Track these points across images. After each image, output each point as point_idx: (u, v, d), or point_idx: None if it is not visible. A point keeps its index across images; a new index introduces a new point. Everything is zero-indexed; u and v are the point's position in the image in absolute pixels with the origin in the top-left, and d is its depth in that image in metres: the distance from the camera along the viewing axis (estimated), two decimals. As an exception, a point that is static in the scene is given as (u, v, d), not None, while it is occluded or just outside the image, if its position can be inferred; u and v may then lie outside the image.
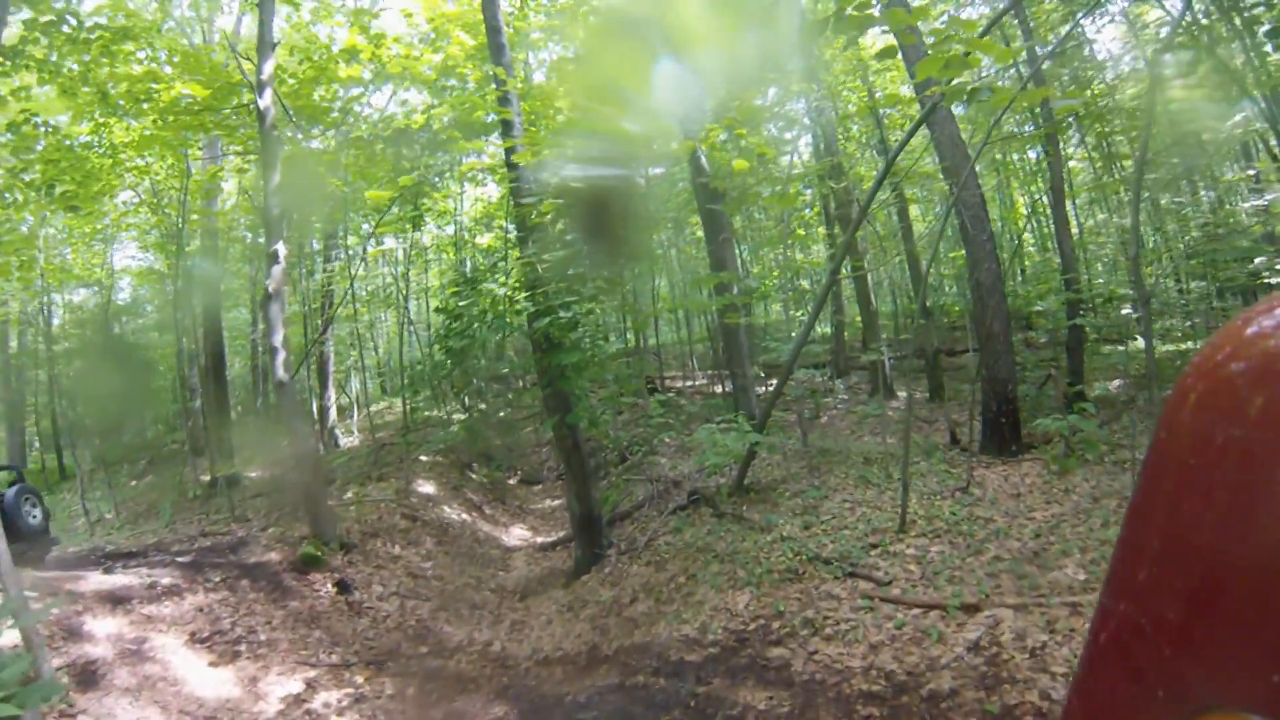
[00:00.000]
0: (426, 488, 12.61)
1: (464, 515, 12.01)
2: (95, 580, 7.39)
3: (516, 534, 12.32)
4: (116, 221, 17.26)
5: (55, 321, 22.13)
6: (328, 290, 18.86)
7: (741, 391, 14.64)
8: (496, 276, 8.92)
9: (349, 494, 11.47)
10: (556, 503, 14.67)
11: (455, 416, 17.21)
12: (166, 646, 6.22)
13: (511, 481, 16.24)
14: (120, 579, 7.40)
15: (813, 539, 6.91)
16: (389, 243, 20.39)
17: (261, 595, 7.24)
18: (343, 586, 7.61)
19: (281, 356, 8.41)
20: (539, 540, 11.73)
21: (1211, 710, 0.58)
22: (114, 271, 21.06)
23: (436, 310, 14.68)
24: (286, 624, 6.82)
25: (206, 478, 14.45)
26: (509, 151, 8.36)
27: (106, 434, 20.61)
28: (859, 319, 19.70)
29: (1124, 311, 13.59)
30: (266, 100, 8.72)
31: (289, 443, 8.60)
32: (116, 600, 6.89)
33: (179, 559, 8.07)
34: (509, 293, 9.27)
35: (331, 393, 19.22)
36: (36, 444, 24.60)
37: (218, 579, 7.47)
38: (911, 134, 7.73)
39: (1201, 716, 0.58)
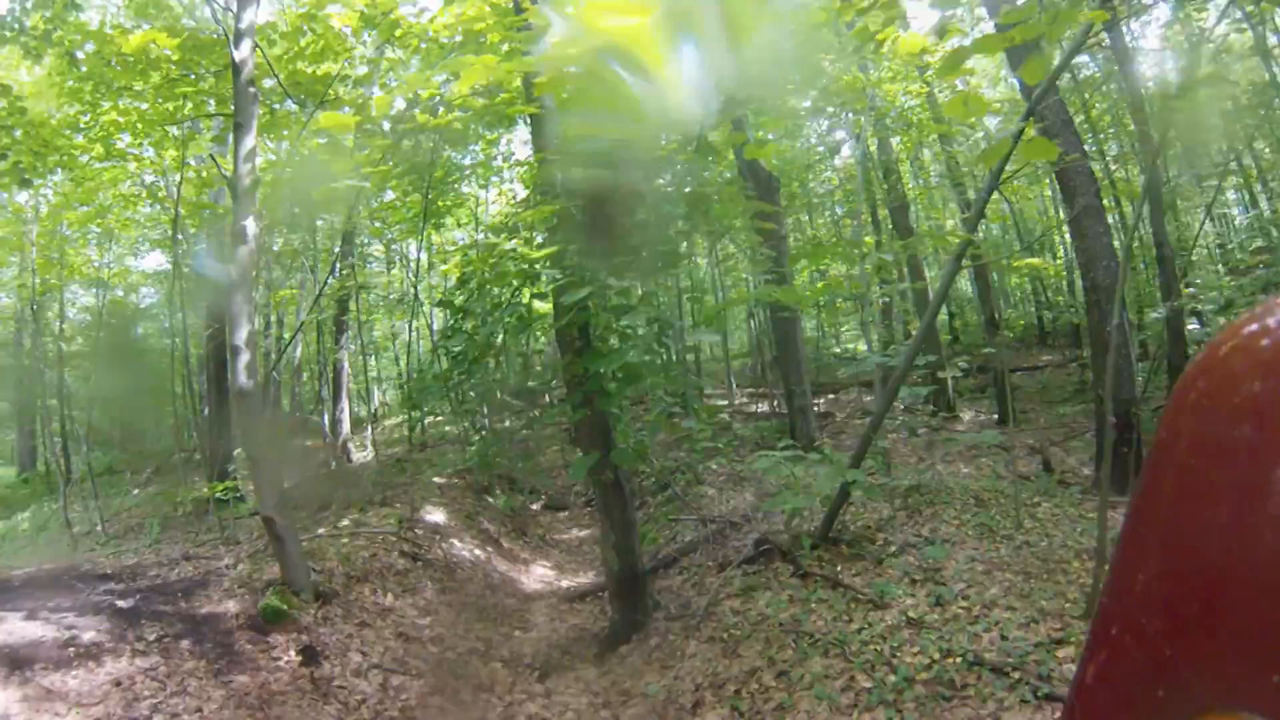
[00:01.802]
0: (435, 515, 11.02)
1: (477, 551, 10.39)
2: (5, 629, 5.86)
3: (538, 573, 10.69)
4: (118, 217, 16.14)
5: (63, 321, 21.24)
6: (342, 295, 17.59)
7: (799, 413, 13.04)
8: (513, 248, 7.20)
9: (346, 521, 9.89)
10: (584, 533, 13.16)
11: (473, 435, 15.77)
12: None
13: (534, 507, 14.68)
14: (35, 629, 5.86)
15: (956, 624, 5.12)
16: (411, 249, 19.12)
17: (203, 665, 5.64)
18: (309, 655, 6.00)
19: (244, 359, 6.87)
20: (564, 584, 10.10)
21: (1211, 710, 0.57)
22: (117, 270, 19.94)
23: (439, 304, 13.12)
24: (225, 710, 5.20)
25: (206, 492, 13.05)
26: (529, 86, 6.72)
27: (110, 441, 19.58)
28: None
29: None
30: (244, 52, 7.24)
31: (251, 465, 7.03)
32: (15, 663, 5.35)
33: (118, 602, 6.50)
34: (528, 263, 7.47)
35: (345, 404, 17.87)
36: (47, 446, 23.61)
37: (153, 637, 5.90)
38: (1029, 114, 6.06)
39: (1201, 716, 0.58)
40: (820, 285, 15.24)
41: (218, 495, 10.18)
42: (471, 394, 8.56)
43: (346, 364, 17.53)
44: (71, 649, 5.61)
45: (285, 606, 6.44)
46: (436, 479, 13.05)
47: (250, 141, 7.52)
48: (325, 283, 17.31)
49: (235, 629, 6.24)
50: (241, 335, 7.09)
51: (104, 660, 5.54)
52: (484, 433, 10.45)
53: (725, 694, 5.38)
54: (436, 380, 8.47)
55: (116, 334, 20.22)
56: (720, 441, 12.54)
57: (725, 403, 19.22)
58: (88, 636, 5.81)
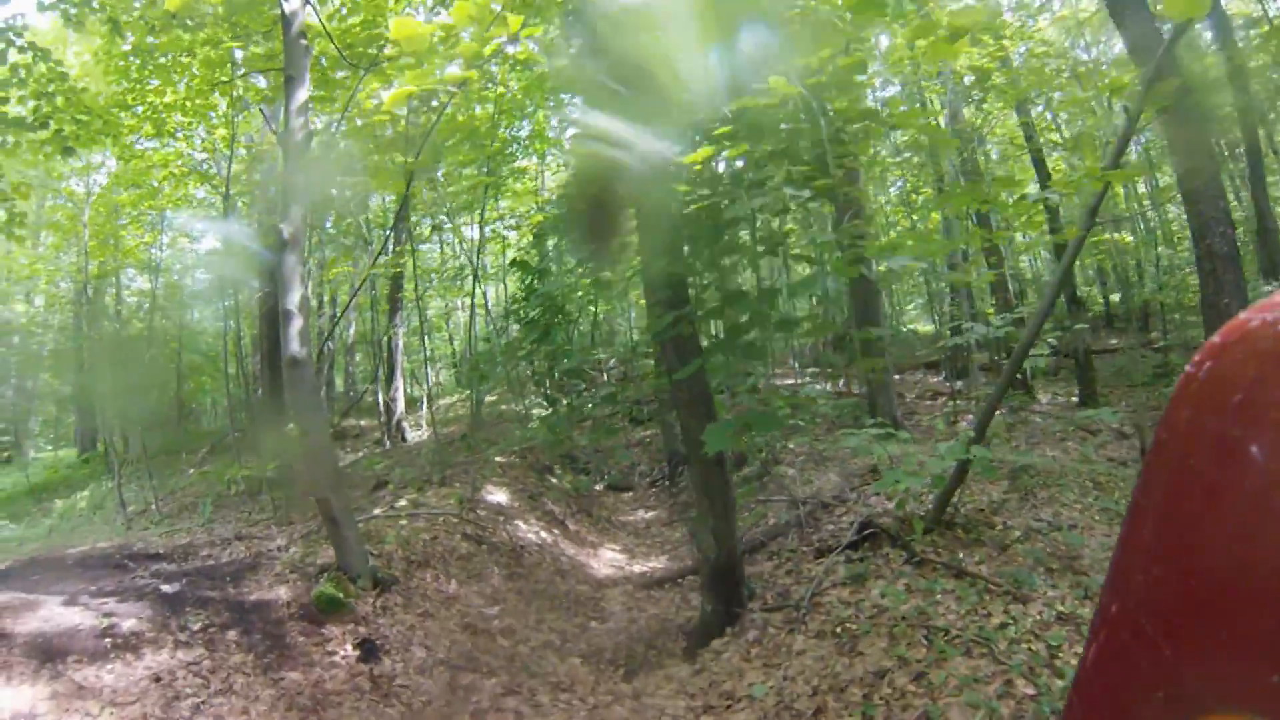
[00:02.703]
0: (497, 496, 10.38)
1: (543, 534, 9.72)
2: (42, 615, 5.32)
3: (607, 557, 9.99)
4: (169, 197, 15.84)
5: (119, 305, 21.19)
6: (396, 272, 17.10)
7: (881, 390, 12.10)
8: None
9: (403, 501, 9.29)
10: (650, 515, 12.45)
11: (535, 411, 15.15)
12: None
13: (598, 487, 14.00)
14: (72, 616, 5.31)
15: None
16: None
17: (250, 659, 5.03)
18: (367, 649, 5.36)
19: (296, 325, 6.23)
20: (637, 569, 9.37)
21: (1211, 711, 0.57)
22: (170, 254, 19.73)
23: (511, 264, 12.42)
24: (275, 713, 4.57)
25: (258, 469, 12.62)
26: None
27: (164, 423, 19.44)
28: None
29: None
30: (294, 4, 6.59)
31: (300, 440, 6.39)
32: (48, 655, 4.79)
33: (163, 587, 5.94)
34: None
35: (400, 383, 17.39)
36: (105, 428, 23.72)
37: (197, 626, 5.31)
38: (1170, 48, 5.08)
39: (1201, 717, 0.58)
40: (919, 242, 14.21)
41: (270, 473, 9.64)
42: (544, 363, 7.89)
43: (401, 342, 17.00)
44: (109, 639, 5.03)
45: (341, 594, 5.82)
46: (497, 458, 12.42)
47: (302, 94, 6.89)
48: (377, 258, 16.84)
49: (287, 619, 5.63)
50: (293, 299, 6.46)
51: (143, 652, 4.96)
52: (554, 406, 9.79)
53: (851, 699, 4.58)
54: (508, 348, 7.84)
55: (162, 317, 20.14)
56: (802, 418, 11.69)
57: (790, 382, 18.33)
58: (127, 625, 5.24)
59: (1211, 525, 0.60)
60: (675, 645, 6.39)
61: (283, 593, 5.93)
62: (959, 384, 14.68)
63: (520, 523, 9.70)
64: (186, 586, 6.03)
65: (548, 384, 11.30)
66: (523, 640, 6.52)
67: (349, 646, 5.45)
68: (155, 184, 15.01)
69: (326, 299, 20.24)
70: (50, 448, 24.24)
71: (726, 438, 4.97)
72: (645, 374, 16.37)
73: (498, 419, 17.39)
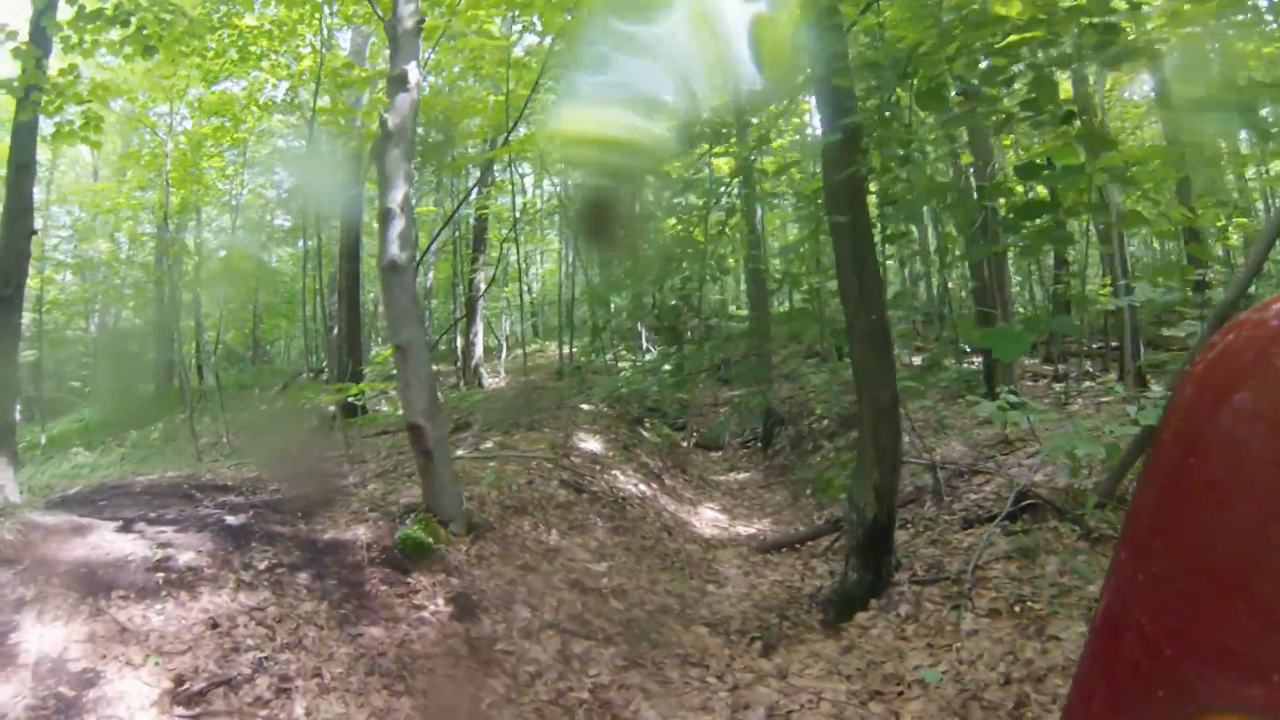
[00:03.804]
0: (590, 444, 9.44)
1: (642, 487, 8.76)
2: (91, 541, 4.52)
3: (708, 516, 9.03)
4: (253, 129, 15.21)
5: (200, 242, 20.91)
6: (482, 214, 16.26)
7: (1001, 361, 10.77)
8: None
9: (489, 444, 8.40)
10: (743, 476, 11.52)
11: (624, 362, 14.22)
12: (118, 715, 3.16)
13: (686, 444, 13.06)
14: (124, 544, 4.49)
15: None
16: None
17: (324, 608, 4.14)
18: (462, 605, 4.45)
19: (398, 226, 5.31)
20: (742, 531, 8.41)
21: (1211, 710, 0.57)
22: (251, 189, 19.24)
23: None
24: (352, 676, 3.66)
25: (331, 409, 11.96)
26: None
27: (241, 359, 19.16)
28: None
29: None
30: None
31: (397, 355, 5.46)
32: (91, 587, 3.97)
33: (228, 518, 5.11)
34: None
35: (479, 328, 16.63)
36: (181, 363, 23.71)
37: (263, 565, 4.44)
38: None
39: (1201, 716, 0.58)
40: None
41: (349, 399, 8.84)
42: (672, 292, 6.97)
43: (483, 284, 16.17)
44: (161, 574, 4.19)
45: (430, 539, 4.90)
46: (584, 405, 11.49)
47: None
48: (466, 197, 16.01)
49: (365, 563, 4.73)
50: (396, 197, 5.55)
51: (200, 592, 4.10)
52: (676, 347, 8.82)
53: (1054, 689, 3.56)
54: (626, 277, 6.93)
55: (242, 258, 19.75)
56: (924, 381, 10.54)
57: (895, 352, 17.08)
58: (184, 559, 4.39)
59: (1211, 525, 0.59)
60: (811, 617, 5.54)
61: (361, 533, 5.04)
62: (1061, 366, 13.11)
63: (617, 473, 8.74)
64: (253, 520, 5.18)
65: (666, 322, 10.28)
66: (638, 604, 5.55)
67: (440, 600, 4.53)
68: (239, 110, 14.37)
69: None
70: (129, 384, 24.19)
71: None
72: (735, 332, 15.30)
73: (583, 369, 16.53)
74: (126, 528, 4.99)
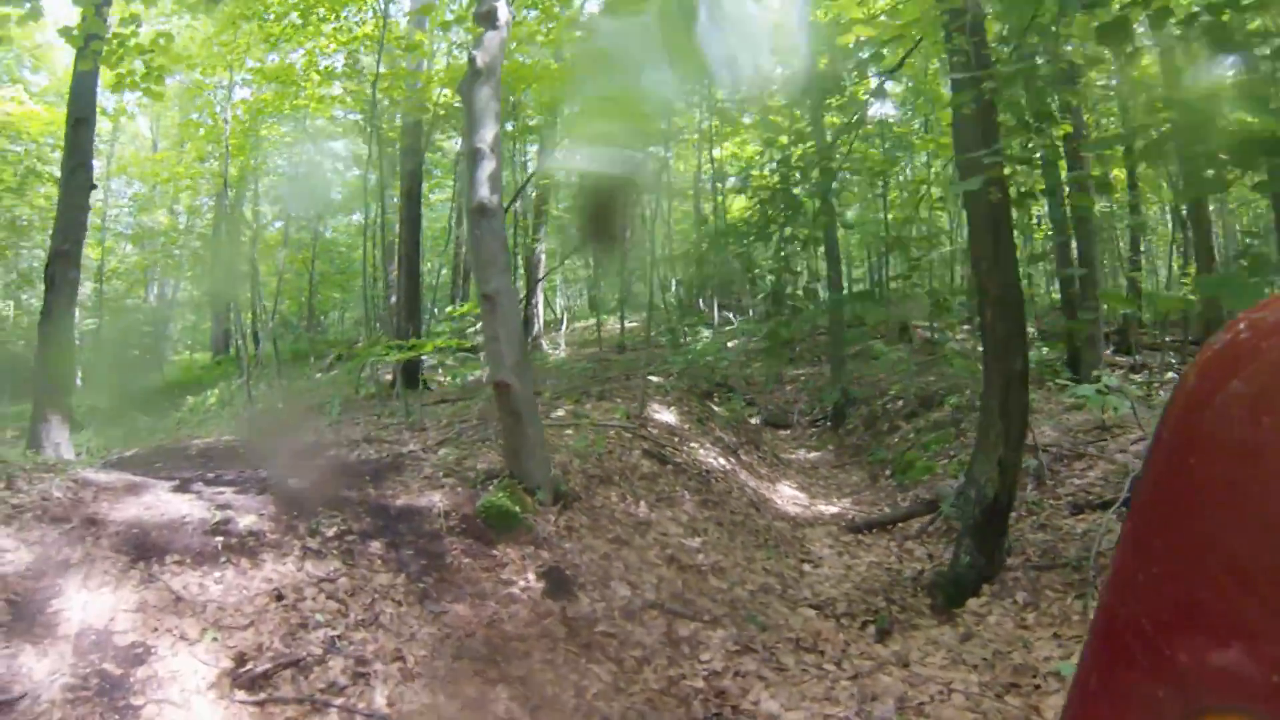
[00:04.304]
0: (664, 415, 8.87)
1: (721, 461, 8.18)
2: (145, 500, 4.06)
3: (786, 493, 8.47)
4: (312, 94, 14.80)
5: (257, 211, 20.72)
6: (545, 183, 15.76)
7: (1088, 342, 10.09)
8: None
9: (560, 412, 7.88)
10: (814, 455, 11.00)
11: (701, 335, 13.71)
12: (170, 699, 2.66)
13: (754, 421, 12.50)
14: (180, 505, 4.02)
15: None
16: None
17: (401, 581, 3.61)
18: (556, 582, 3.90)
19: (488, 167, 4.80)
20: (827, 510, 7.85)
21: (1211, 710, 0.57)
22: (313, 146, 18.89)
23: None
24: (438, 659, 3.12)
25: (388, 377, 11.53)
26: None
27: (297, 328, 18.95)
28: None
29: None
30: None
31: (484, 305, 4.90)
32: (143, 550, 3.49)
33: (289, 480, 4.60)
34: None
35: (540, 299, 16.15)
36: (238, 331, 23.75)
37: (331, 532, 3.92)
38: None
39: (1201, 717, 0.58)
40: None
41: (410, 360, 8.37)
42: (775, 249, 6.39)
43: (544, 256, 15.66)
44: (220, 538, 3.69)
45: (517, 508, 4.35)
46: (652, 377, 10.91)
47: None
48: (531, 177, 15.49)
49: (444, 532, 4.19)
50: (485, 137, 5.02)
51: (262, 559, 3.60)
52: (779, 308, 8.26)
53: None
54: (729, 234, 6.37)
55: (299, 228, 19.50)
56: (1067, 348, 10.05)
57: (940, 335, 16.26)
58: (245, 522, 3.90)
59: (1211, 525, 0.59)
60: (918, 601, 5.17)
61: (437, 500, 4.50)
62: (1138, 357, 12.15)
63: (696, 446, 8.15)
64: (317, 482, 4.68)
65: (768, 286, 9.68)
66: (738, 582, 5.00)
67: (531, 575, 3.98)
68: (299, 76, 13.98)
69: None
70: (187, 352, 24.28)
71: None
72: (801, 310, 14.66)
73: (646, 344, 16.00)
74: (183, 487, 4.54)
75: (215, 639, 2.98)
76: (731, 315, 18.90)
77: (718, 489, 6.89)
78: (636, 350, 15.33)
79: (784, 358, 10.97)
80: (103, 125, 20.02)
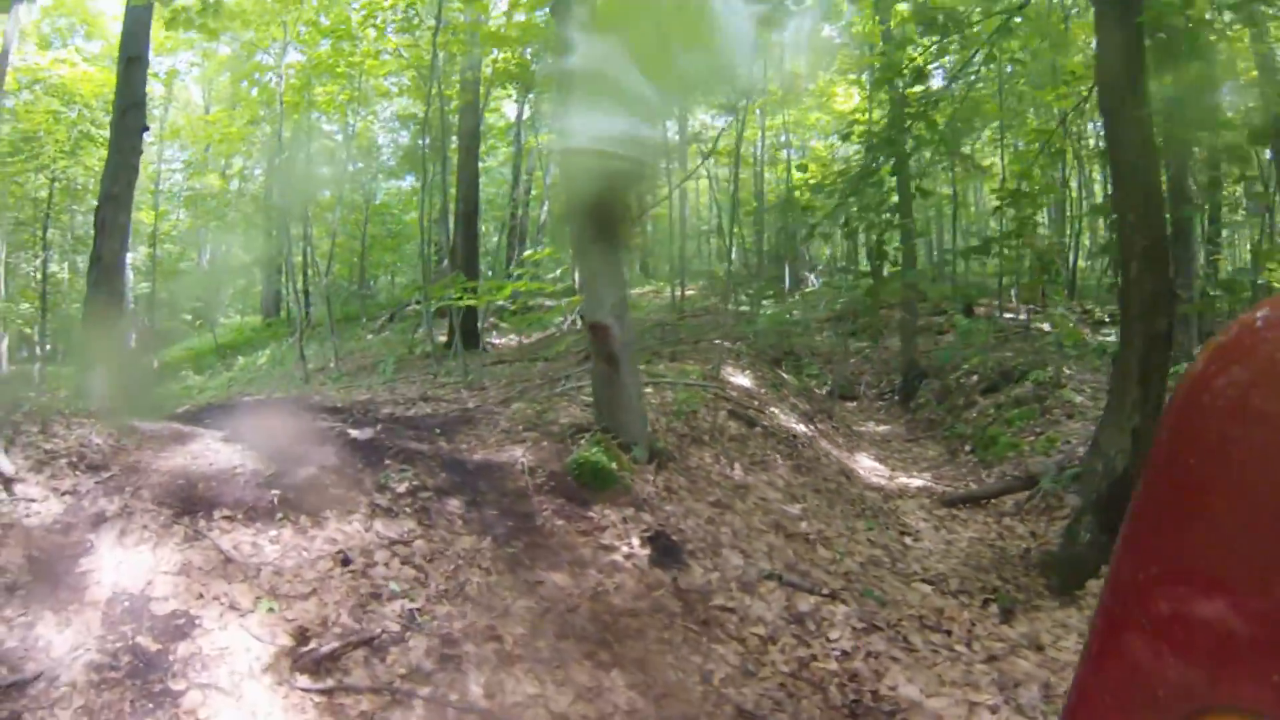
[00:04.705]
0: (739, 379, 8.27)
1: (802, 427, 7.58)
2: (193, 449, 3.56)
3: (866, 464, 7.90)
4: (369, 51, 14.35)
5: (309, 175, 20.40)
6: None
7: (1180, 324, 9.27)
8: None
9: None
10: (883, 428, 10.50)
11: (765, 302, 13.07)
12: (217, 683, 2.11)
13: (821, 392, 11.91)
14: (231, 455, 3.52)
15: None
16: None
17: (488, 545, 3.06)
18: (663, 548, 3.34)
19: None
20: (908, 482, 7.36)
21: (1211, 710, 0.57)
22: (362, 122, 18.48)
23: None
24: (539, 639, 2.55)
25: (443, 338, 11.05)
26: None
27: (347, 290, 18.66)
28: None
29: None
30: None
31: (578, 242, 4.31)
32: (190, 504, 2.97)
33: (352, 431, 4.09)
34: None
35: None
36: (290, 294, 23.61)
37: (403, 487, 3.38)
38: None
39: (1201, 717, 0.58)
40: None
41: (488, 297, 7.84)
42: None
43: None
44: (277, 492, 3.16)
45: (613, 465, 3.76)
46: (719, 341, 10.31)
47: None
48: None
49: (531, 491, 3.62)
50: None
51: (325, 517, 3.06)
52: (879, 259, 7.60)
53: None
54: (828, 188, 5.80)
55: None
56: (1091, 347, 9.53)
57: (1005, 315, 15.43)
58: (304, 474, 3.37)
59: (1211, 525, 0.60)
60: (1032, 580, 4.82)
61: (520, 455, 3.93)
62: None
63: (776, 411, 7.54)
64: (383, 434, 4.15)
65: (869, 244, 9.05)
66: (846, 553, 4.43)
67: (635, 540, 3.40)
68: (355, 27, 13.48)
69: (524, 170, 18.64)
70: (238, 316, 24.21)
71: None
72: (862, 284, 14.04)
73: (701, 311, 15.39)
74: (234, 437, 4.02)
75: (271, 609, 2.45)
76: (811, 276, 18.26)
77: (806, 455, 6.31)
78: (697, 316, 14.77)
79: (876, 315, 10.34)
80: (155, 90, 19.88)
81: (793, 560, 3.92)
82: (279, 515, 2.98)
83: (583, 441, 3.97)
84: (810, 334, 13.64)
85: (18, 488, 2.90)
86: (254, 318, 22.76)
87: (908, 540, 5.41)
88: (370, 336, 14.32)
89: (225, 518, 2.84)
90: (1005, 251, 7.73)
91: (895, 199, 6.89)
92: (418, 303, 17.36)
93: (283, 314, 19.51)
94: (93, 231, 7.36)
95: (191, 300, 22.83)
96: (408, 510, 3.18)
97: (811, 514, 4.88)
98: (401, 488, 3.35)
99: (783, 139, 19.67)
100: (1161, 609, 0.63)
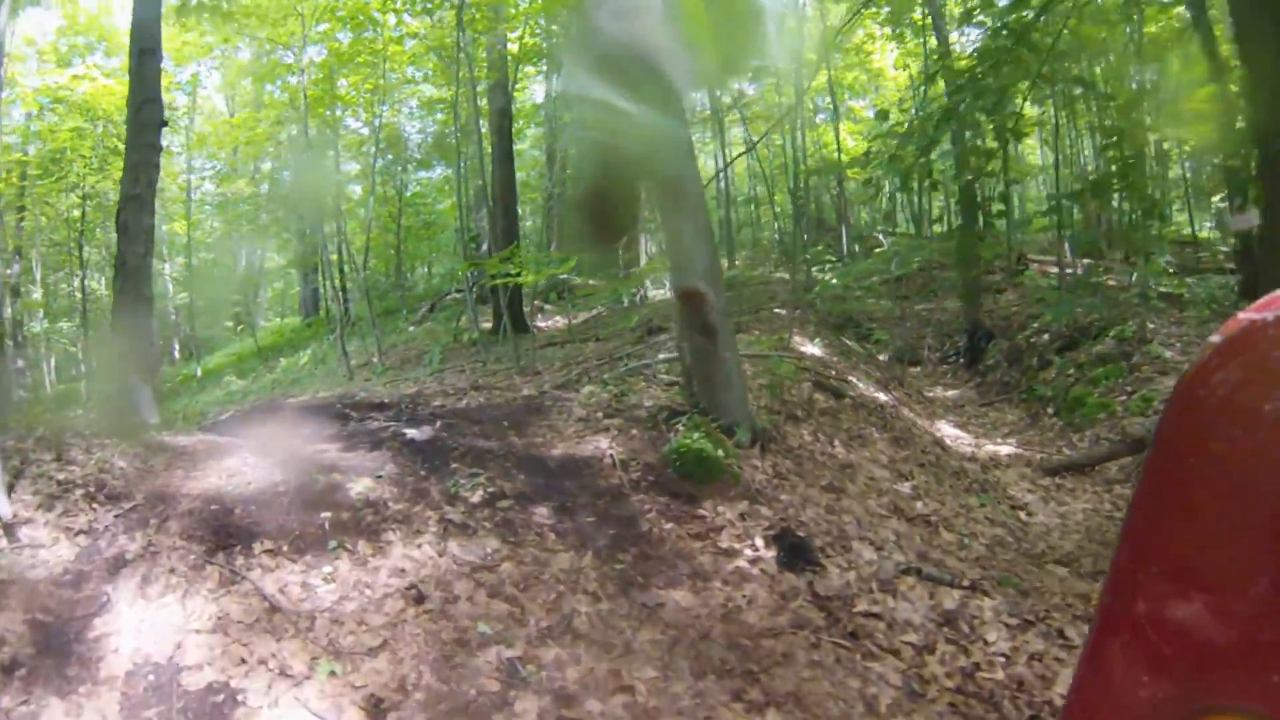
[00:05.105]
0: (809, 348, 7.66)
1: (882, 396, 6.97)
2: (227, 466, 3.06)
3: (949, 432, 7.29)
4: (389, 40, 13.98)
5: (339, 171, 20.10)
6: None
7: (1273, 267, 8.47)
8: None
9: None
10: (952, 393, 9.90)
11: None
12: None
13: (882, 358, 11.27)
14: (272, 471, 2.98)
15: None
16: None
17: (589, 561, 2.50)
18: (791, 549, 2.77)
19: None
20: (998, 450, 6.76)
21: (1211, 710, 0.57)
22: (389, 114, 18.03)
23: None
24: (678, 682, 1.97)
25: (488, 324, 10.64)
26: None
27: (384, 286, 18.36)
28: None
29: None
30: None
31: (672, 200, 3.69)
32: (224, 535, 2.45)
33: (408, 431, 3.54)
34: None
35: (644, 238, 15.16)
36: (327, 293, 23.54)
37: (477, 496, 2.82)
38: None
39: (1201, 716, 0.58)
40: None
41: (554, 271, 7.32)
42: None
43: (643, 191, 14.45)
44: (328, 513, 2.62)
45: (720, 452, 3.16)
46: (779, 310, 9.70)
47: None
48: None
49: (627, 488, 3.04)
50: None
51: (387, 540, 2.51)
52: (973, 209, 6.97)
53: None
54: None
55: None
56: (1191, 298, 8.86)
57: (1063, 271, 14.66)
58: (359, 489, 2.83)
59: (1211, 525, 0.59)
60: None
61: (605, 446, 3.36)
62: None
63: (855, 380, 6.93)
64: (445, 431, 3.59)
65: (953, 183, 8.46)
66: (969, 534, 3.90)
67: (759, 540, 2.82)
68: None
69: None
70: (278, 318, 24.11)
71: None
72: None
73: (754, 282, 14.79)
74: (275, 446, 3.50)
75: (333, 673, 1.90)
76: (881, 235, 17.60)
77: (898, 426, 5.68)
78: (750, 285, 14.17)
79: (975, 270, 9.69)
80: (179, 99, 19.66)
81: (922, 548, 3.33)
82: (332, 543, 2.44)
83: (679, 427, 3.38)
84: (869, 299, 13.01)
85: (22, 531, 2.39)
86: (293, 319, 22.64)
87: (1023, 516, 4.81)
88: (412, 328, 13.90)
89: (268, 552, 2.31)
90: (1115, 193, 7.00)
91: (992, 142, 6.19)
92: (458, 291, 16.97)
93: (321, 313, 19.23)
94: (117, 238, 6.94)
95: (230, 306, 22.76)
96: (487, 525, 2.63)
97: (924, 492, 4.28)
98: (475, 497, 2.79)
99: (818, 104, 18.93)
100: (1161, 609, 0.62)
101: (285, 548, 2.34)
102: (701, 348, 3.58)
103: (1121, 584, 0.69)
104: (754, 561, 2.73)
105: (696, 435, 3.20)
